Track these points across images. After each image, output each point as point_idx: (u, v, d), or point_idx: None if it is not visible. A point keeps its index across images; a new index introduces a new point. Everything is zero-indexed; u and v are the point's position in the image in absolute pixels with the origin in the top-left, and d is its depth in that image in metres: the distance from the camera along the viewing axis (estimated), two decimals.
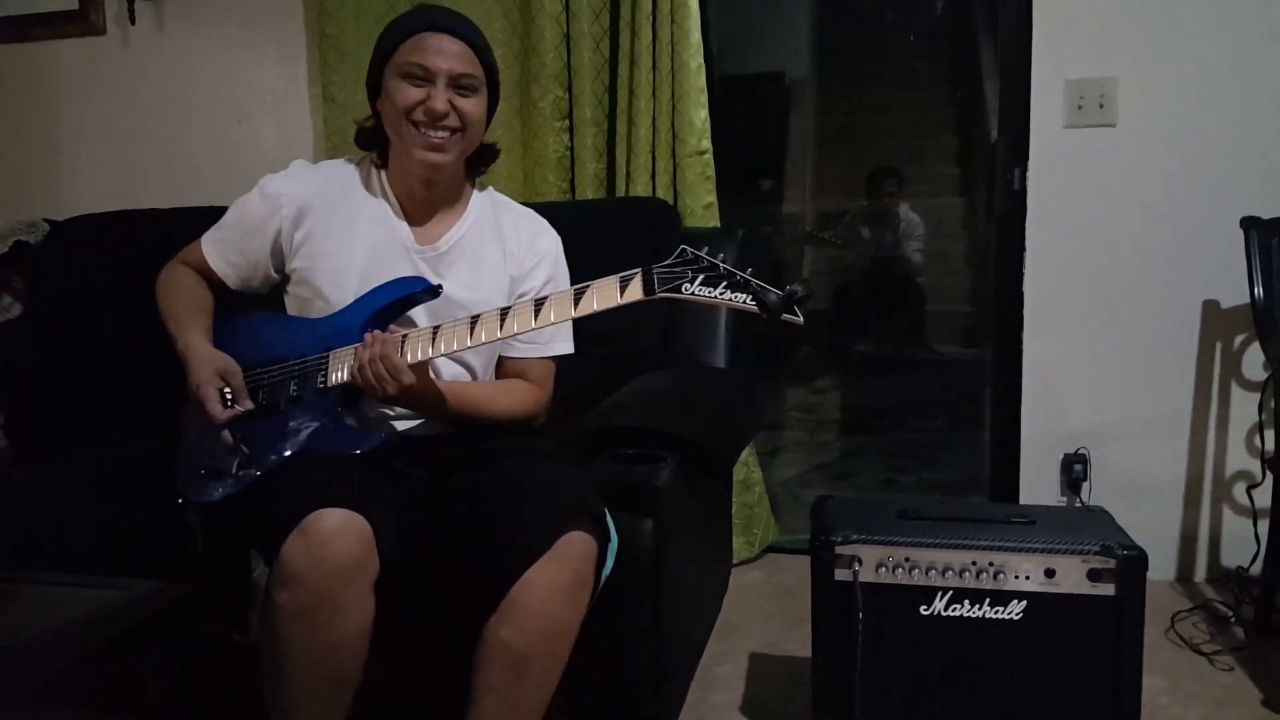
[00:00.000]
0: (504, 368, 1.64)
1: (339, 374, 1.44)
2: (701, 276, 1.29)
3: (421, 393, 1.45)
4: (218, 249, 1.61)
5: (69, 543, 1.56)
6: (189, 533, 1.44)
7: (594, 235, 1.92)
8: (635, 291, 1.30)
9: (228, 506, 1.40)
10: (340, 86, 2.59)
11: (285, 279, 1.58)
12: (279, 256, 1.57)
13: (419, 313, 1.52)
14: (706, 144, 2.41)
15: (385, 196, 1.57)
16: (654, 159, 2.43)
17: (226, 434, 1.45)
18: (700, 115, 2.39)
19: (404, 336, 1.42)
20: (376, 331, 1.41)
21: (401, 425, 1.52)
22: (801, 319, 1.26)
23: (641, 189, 2.42)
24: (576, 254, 1.68)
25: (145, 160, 2.86)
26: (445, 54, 1.47)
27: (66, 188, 2.91)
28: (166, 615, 1.28)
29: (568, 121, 2.49)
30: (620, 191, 2.47)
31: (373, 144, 1.58)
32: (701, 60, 2.37)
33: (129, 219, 2.32)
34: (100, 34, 2.83)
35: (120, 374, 2.10)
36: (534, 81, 2.47)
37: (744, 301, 1.27)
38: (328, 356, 1.46)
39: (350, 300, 1.50)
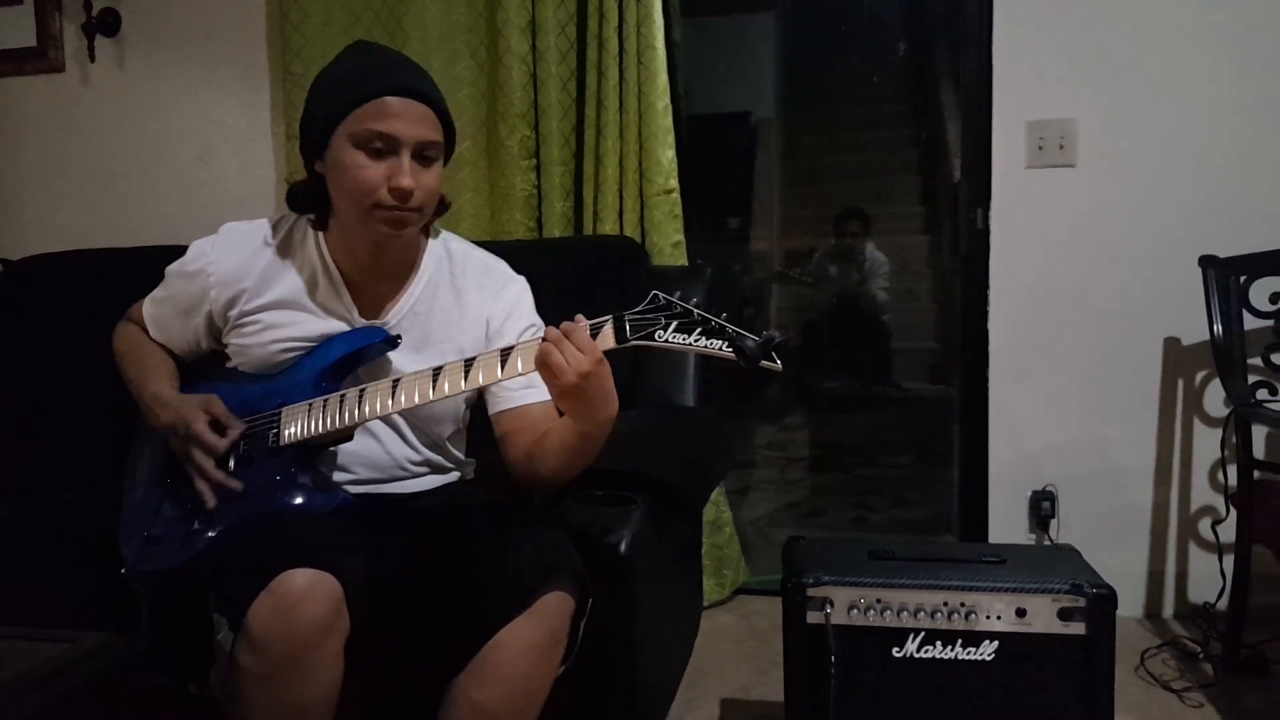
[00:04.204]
0: (512, 420, 1.48)
1: (293, 430, 1.37)
2: (675, 323, 1.23)
3: (608, 384, 1.27)
4: (158, 326, 1.54)
5: (15, 593, 1.50)
6: (136, 598, 1.39)
7: (562, 273, 1.91)
8: (606, 340, 1.24)
9: (176, 572, 1.34)
10: None
11: (225, 347, 1.51)
12: (215, 333, 1.51)
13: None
14: (674, 183, 2.42)
15: (324, 263, 1.44)
16: (622, 198, 2.43)
17: (157, 498, 1.40)
18: (667, 155, 2.40)
19: (361, 390, 1.35)
20: (552, 327, 1.26)
21: (357, 489, 1.45)
22: (780, 365, 1.21)
23: (609, 227, 2.42)
24: (544, 293, 1.64)
25: (104, 199, 2.82)
26: (411, 121, 1.31)
27: (23, 226, 2.86)
28: (119, 668, 1.23)
29: (535, 160, 2.49)
30: (588, 230, 2.46)
31: (309, 206, 1.42)
32: (668, 101, 2.39)
33: (85, 259, 2.26)
34: (59, 71, 2.81)
35: (72, 418, 2.04)
36: (501, 120, 2.47)
37: (720, 349, 1.22)
38: (279, 414, 1.39)
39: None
